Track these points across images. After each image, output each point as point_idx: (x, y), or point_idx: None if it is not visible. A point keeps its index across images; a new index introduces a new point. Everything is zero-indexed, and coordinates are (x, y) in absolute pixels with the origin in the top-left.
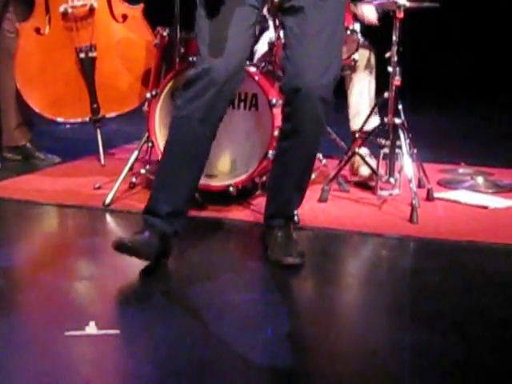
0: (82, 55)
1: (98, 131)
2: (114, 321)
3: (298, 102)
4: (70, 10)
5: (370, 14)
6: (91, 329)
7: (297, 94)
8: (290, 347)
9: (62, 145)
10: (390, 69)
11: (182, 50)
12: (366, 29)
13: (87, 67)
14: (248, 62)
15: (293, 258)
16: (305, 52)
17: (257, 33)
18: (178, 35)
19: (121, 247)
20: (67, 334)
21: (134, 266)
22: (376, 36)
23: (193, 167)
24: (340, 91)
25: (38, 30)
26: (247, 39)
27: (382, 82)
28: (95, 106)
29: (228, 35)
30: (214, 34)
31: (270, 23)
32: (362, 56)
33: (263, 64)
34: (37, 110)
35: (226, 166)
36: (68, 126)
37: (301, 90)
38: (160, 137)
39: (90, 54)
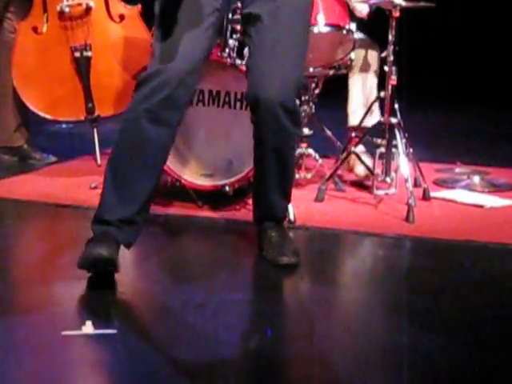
0: (77, 54)
1: (95, 130)
2: (111, 320)
3: (260, 113)
4: (66, 9)
5: (361, 7)
6: (88, 328)
7: (258, 105)
8: (286, 347)
9: (58, 144)
10: (386, 68)
11: None
12: (362, 26)
13: (82, 66)
14: (244, 62)
15: (288, 258)
16: (264, 62)
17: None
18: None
19: (85, 265)
20: (64, 333)
21: (131, 265)
22: (372, 35)
23: (145, 172)
24: (336, 91)
25: (35, 29)
26: (204, 41)
27: (379, 82)
28: (90, 105)
29: (183, 37)
30: (169, 35)
31: None
32: (358, 56)
33: None
34: (32, 109)
35: (222, 166)
36: (64, 125)
37: (261, 102)
38: None
39: (85, 54)
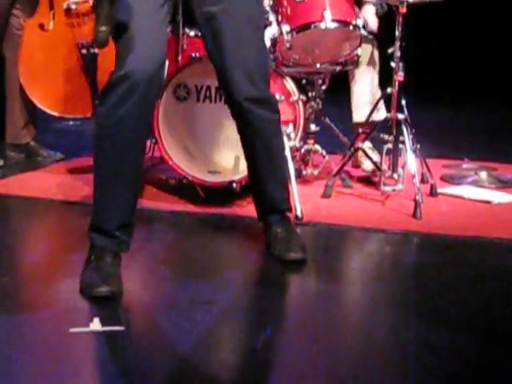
0: (84, 51)
1: None
2: (119, 317)
3: (234, 109)
4: (73, 6)
5: (373, 23)
6: (95, 325)
7: (229, 101)
8: (293, 343)
9: (65, 141)
10: (393, 64)
11: (185, 47)
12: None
13: (89, 63)
14: None
15: (295, 254)
16: (225, 59)
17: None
18: (181, 31)
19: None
20: (71, 330)
21: (139, 262)
22: (379, 31)
23: (133, 172)
24: (343, 87)
25: (42, 26)
26: (163, 33)
27: (386, 78)
28: (97, 101)
29: (142, 32)
30: (129, 30)
31: (272, 19)
32: (366, 50)
33: None
34: (39, 106)
35: (229, 163)
36: (71, 122)
37: (230, 98)
38: (163, 133)
39: (92, 50)
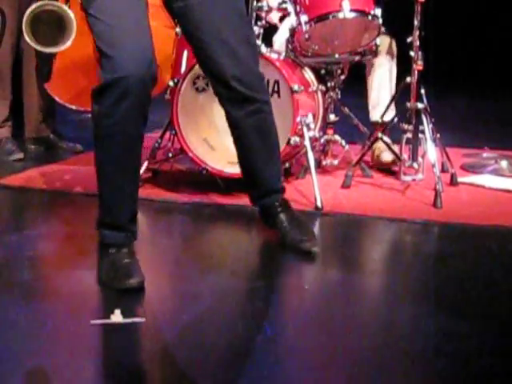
0: None
1: None
2: (139, 309)
3: (223, 93)
4: None
5: None
6: (117, 317)
7: (220, 87)
8: (311, 333)
9: (84, 133)
10: (412, 53)
11: None
12: (387, 14)
13: None
14: (269, 49)
15: (310, 243)
16: (211, 45)
17: None
18: None
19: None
20: (93, 322)
21: (159, 253)
22: (398, 21)
23: (136, 166)
24: (361, 77)
25: None
26: (147, 28)
27: (405, 67)
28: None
29: (127, 32)
30: (114, 33)
31: (291, 9)
32: (384, 42)
33: (285, 51)
34: (57, 99)
35: None
36: (90, 114)
37: (215, 81)
38: (183, 124)
39: None
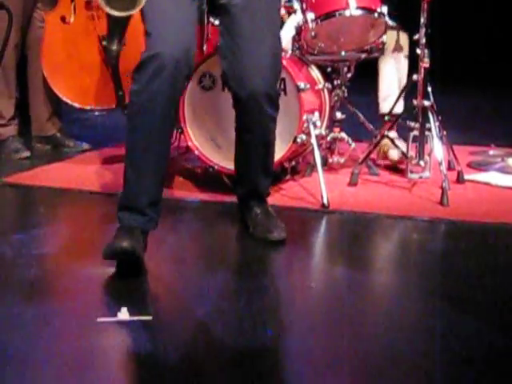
0: (105, 43)
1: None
2: (146, 307)
3: (244, 102)
4: None
5: None
6: (123, 315)
7: (241, 94)
8: (320, 331)
9: (90, 132)
10: (418, 51)
11: (210, 36)
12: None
13: (111, 55)
14: None
15: (277, 233)
16: (243, 52)
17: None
18: (206, 21)
19: (107, 255)
20: (100, 320)
21: (166, 251)
22: (402, 21)
23: (163, 151)
24: (368, 74)
25: (63, 19)
26: (194, 11)
27: (412, 65)
28: (121, 93)
29: (174, 9)
30: (159, 8)
31: (297, 7)
32: (391, 38)
33: (291, 48)
34: (63, 98)
35: None
36: (97, 113)
37: (245, 91)
38: (189, 122)
39: None
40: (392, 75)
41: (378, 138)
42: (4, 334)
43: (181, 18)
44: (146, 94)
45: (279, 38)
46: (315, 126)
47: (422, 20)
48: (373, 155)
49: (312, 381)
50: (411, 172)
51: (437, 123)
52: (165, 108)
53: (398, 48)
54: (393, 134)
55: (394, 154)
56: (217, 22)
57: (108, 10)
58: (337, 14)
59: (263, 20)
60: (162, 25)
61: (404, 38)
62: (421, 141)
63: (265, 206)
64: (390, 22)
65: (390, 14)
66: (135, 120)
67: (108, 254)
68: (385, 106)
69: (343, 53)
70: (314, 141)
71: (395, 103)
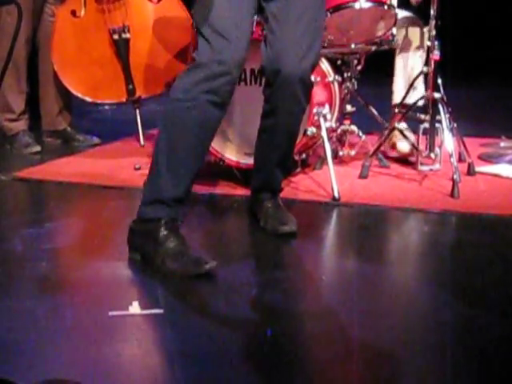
0: (116, 36)
1: (138, 112)
2: (158, 300)
3: (278, 84)
4: None
5: None
6: (135, 309)
7: (277, 76)
8: (331, 324)
9: (101, 126)
10: (428, 43)
11: None
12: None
13: (121, 48)
14: None
15: (288, 226)
16: (285, 37)
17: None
18: None
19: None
20: (111, 313)
21: None
22: (416, 12)
23: (200, 152)
24: (379, 66)
25: (73, 13)
26: (251, 21)
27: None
28: (131, 87)
29: (234, 16)
30: (218, 15)
31: None
32: (415, 33)
33: None
34: (74, 92)
35: None
36: (107, 107)
37: (280, 73)
38: None
39: (124, 36)
40: (403, 69)
41: (389, 130)
42: (17, 327)
43: (243, 29)
44: (193, 93)
45: (322, 32)
46: (325, 118)
47: (432, 12)
48: (383, 147)
49: (325, 372)
50: (422, 164)
51: (447, 115)
52: (208, 111)
53: (409, 43)
54: (403, 124)
55: (404, 146)
56: None
57: None
58: (346, 6)
59: (310, 6)
60: (224, 31)
61: (416, 32)
62: (431, 133)
63: (276, 200)
64: (406, 13)
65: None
66: (175, 116)
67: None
68: (397, 97)
69: (353, 45)
70: (324, 133)
71: (405, 95)
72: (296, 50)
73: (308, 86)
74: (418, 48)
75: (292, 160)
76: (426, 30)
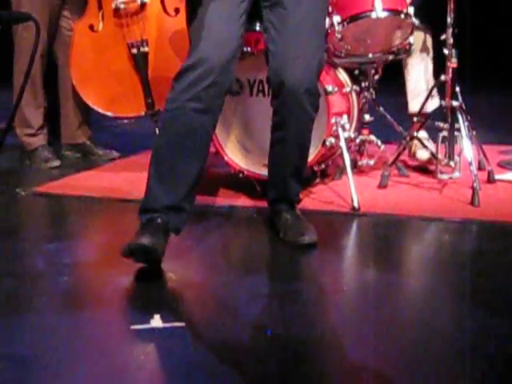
0: (134, 51)
1: (156, 125)
2: (179, 314)
3: (284, 95)
4: (121, 6)
5: None
6: (156, 322)
7: (282, 88)
8: (353, 332)
9: (120, 140)
10: (445, 51)
11: None
12: (422, 10)
13: (140, 62)
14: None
15: (308, 237)
16: (287, 48)
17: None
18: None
19: (126, 253)
20: (133, 327)
21: (197, 257)
22: (426, 20)
23: (191, 159)
24: (395, 75)
25: (91, 27)
26: (240, 28)
27: (439, 65)
28: (150, 100)
29: (220, 24)
30: (206, 23)
31: None
32: (418, 39)
33: None
34: (93, 106)
35: None
36: (126, 120)
37: (285, 85)
38: (218, 128)
39: (142, 49)
40: (420, 74)
41: (408, 139)
42: (38, 342)
43: (228, 31)
44: (179, 102)
45: (324, 38)
46: (344, 128)
47: (449, 20)
48: (403, 156)
49: (347, 383)
50: (441, 173)
51: (466, 123)
52: (199, 116)
53: (425, 49)
54: (422, 133)
55: (423, 155)
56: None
57: None
58: (363, 16)
59: (311, 16)
60: (209, 34)
61: (429, 39)
62: (450, 141)
63: (295, 212)
64: (417, 23)
65: (415, 14)
66: (166, 126)
67: (126, 252)
68: (414, 105)
69: (370, 55)
70: (342, 144)
71: (424, 103)
72: (299, 61)
73: (315, 95)
74: (423, 53)
75: (310, 170)
76: (442, 37)
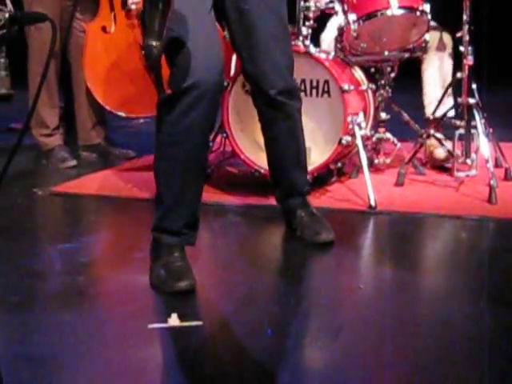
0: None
1: None
2: (196, 312)
3: (263, 99)
4: (133, 7)
5: None
6: (174, 321)
7: (261, 93)
8: (370, 330)
9: (136, 139)
10: (462, 49)
11: None
12: (438, 10)
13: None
14: (318, 49)
15: (325, 235)
16: (260, 57)
17: None
18: None
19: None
20: (150, 326)
21: (213, 256)
22: (443, 21)
23: (199, 176)
24: (412, 73)
25: (104, 29)
26: (217, 38)
27: (456, 62)
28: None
29: (201, 42)
30: (189, 44)
31: (339, 8)
32: (434, 36)
33: (334, 50)
34: (107, 107)
35: None
36: (141, 120)
37: (263, 91)
38: (234, 127)
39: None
40: (435, 77)
41: (424, 137)
42: (55, 341)
43: (207, 39)
44: (182, 126)
45: (289, 32)
46: (360, 127)
47: (465, 17)
48: (419, 154)
49: (365, 382)
50: (458, 170)
51: (483, 120)
52: (202, 137)
53: (441, 47)
54: (439, 135)
55: (440, 153)
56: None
57: None
58: (378, 13)
59: (276, 21)
60: (195, 53)
61: (447, 37)
62: (467, 139)
63: (309, 208)
64: (432, 23)
65: (432, 14)
66: (171, 150)
67: (165, 291)
68: (430, 110)
69: (386, 53)
70: (359, 142)
71: (437, 106)
72: (271, 66)
73: (291, 91)
74: (439, 50)
75: (326, 169)
76: (458, 34)
